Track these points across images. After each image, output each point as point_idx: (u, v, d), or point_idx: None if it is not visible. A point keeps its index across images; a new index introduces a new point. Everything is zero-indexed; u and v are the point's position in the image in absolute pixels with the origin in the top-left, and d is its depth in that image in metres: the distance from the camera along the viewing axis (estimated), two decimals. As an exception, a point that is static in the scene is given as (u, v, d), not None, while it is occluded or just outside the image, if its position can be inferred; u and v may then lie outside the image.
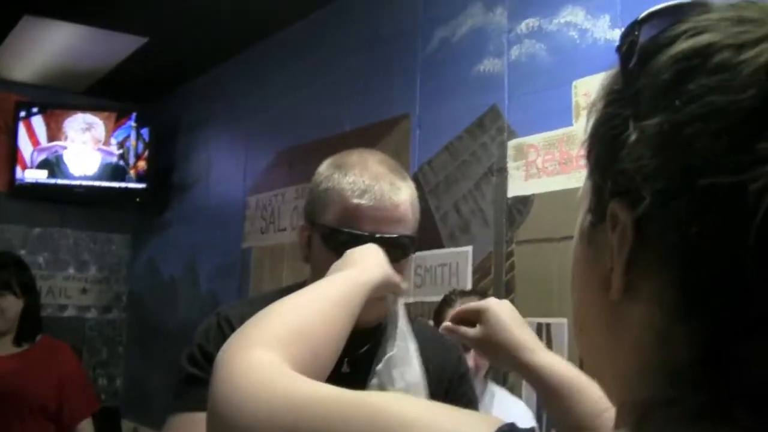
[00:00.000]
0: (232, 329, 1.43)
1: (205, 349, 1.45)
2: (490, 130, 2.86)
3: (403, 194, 1.43)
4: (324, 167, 1.50)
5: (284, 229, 4.01)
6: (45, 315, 5.30)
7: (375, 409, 0.63)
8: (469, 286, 2.80)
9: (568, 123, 2.57)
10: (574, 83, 2.58)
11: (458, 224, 2.93)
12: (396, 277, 1.25)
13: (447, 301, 2.48)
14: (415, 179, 3.13)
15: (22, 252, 5.27)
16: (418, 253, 1.49)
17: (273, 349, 0.83)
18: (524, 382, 2.54)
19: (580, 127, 2.47)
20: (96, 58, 4.85)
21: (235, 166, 4.61)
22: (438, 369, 1.58)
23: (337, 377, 1.30)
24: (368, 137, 3.49)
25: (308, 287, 1.06)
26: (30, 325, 3.17)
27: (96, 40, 4.54)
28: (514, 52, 2.83)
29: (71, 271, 5.53)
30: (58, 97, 5.42)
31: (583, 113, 2.45)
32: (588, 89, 2.53)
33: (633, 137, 0.51)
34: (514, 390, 2.59)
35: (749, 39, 0.48)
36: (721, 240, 0.46)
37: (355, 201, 1.40)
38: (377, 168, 1.44)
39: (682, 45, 0.50)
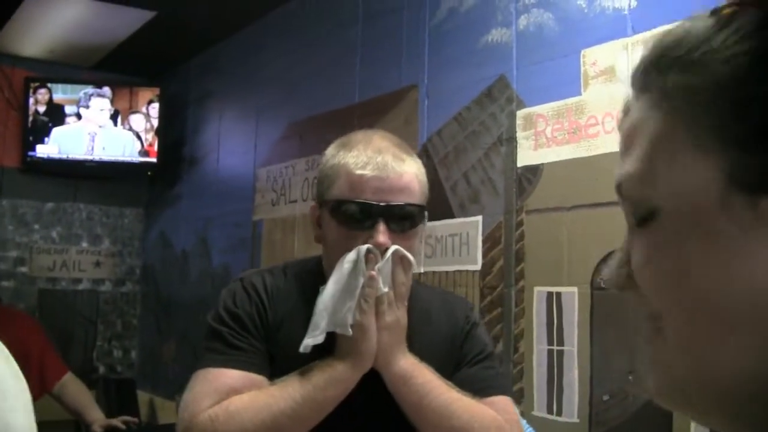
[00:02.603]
0: (257, 294, 1.53)
1: (231, 310, 1.53)
2: (498, 100, 2.87)
3: (407, 165, 1.48)
4: (331, 148, 1.56)
5: (295, 201, 4.03)
6: (59, 289, 5.41)
7: None
8: (479, 256, 2.83)
9: (577, 92, 2.57)
10: (582, 52, 2.58)
11: (468, 194, 2.94)
12: None
13: None
14: (425, 150, 3.16)
15: (36, 226, 5.34)
16: (428, 224, 1.54)
17: None
18: (535, 360, 2.57)
19: (589, 96, 2.49)
20: (104, 33, 4.85)
21: (245, 138, 4.62)
22: (448, 330, 1.63)
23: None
24: (377, 109, 3.50)
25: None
26: None
27: (104, 15, 4.53)
28: (522, 21, 2.83)
29: (84, 245, 5.57)
30: (67, 72, 5.43)
31: (592, 82, 2.47)
32: (596, 58, 2.53)
33: None
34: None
35: None
36: None
37: (359, 172, 1.45)
38: (381, 143, 1.49)
39: None
